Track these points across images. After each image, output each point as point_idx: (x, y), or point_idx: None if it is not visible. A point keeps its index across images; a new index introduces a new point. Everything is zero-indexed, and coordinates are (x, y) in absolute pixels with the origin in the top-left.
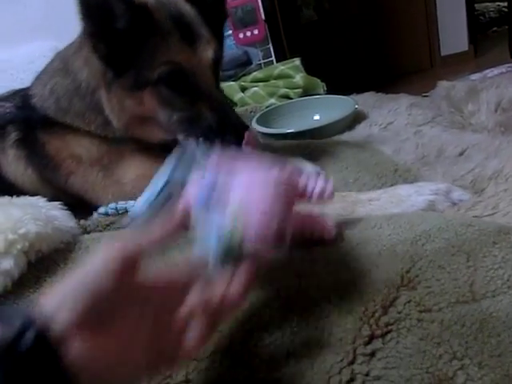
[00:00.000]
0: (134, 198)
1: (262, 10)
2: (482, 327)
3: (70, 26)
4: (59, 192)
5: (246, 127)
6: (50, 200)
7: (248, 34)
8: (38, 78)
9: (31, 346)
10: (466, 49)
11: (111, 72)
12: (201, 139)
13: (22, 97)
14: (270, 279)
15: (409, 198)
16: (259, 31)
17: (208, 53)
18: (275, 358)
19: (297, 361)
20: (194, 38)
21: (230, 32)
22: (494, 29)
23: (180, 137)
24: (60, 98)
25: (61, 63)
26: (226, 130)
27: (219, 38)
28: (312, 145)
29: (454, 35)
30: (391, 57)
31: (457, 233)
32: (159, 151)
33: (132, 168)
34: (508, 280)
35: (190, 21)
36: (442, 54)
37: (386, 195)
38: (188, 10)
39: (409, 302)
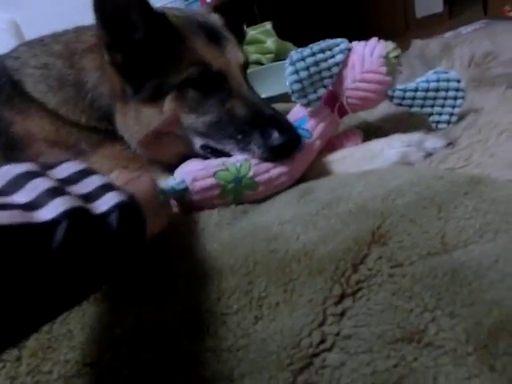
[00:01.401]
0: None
1: None
2: (453, 278)
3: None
4: None
5: (284, 116)
6: None
7: None
8: (28, 43)
9: None
10: (441, 10)
11: (130, 87)
12: (239, 136)
13: None
14: (237, 245)
15: (381, 152)
16: None
17: (238, 54)
18: (242, 324)
19: (265, 326)
20: (222, 41)
21: (197, 1)
22: None
23: (198, 142)
24: (50, 77)
25: (65, 50)
26: (263, 121)
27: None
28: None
29: None
30: (366, 20)
31: (428, 186)
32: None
33: (103, 151)
34: (479, 229)
35: (217, 26)
36: (417, 16)
37: (358, 152)
38: (215, 17)
39: (380, 258)
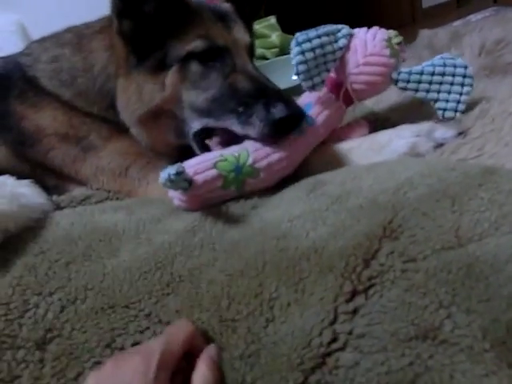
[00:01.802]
0: (111, 172)
1: None
2: (469, 272)
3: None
4: (36, 167)
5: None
6: (27, 176)
7: None
8: (40, 40)
9: None
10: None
11: (134, 57)
12: (240, 109)
13: (6, 57)
14: (246, 245)
15: (390, 143)
16: None
17: (244, 35)
18: (253, 329)
19: (276, 328)
20: (229, 22)
21: None
22: None
23: (199, 125)
24: (62, 70)
25: (74, 37)
26: (267, 95)
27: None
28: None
29: None
30: (371, 11)
31: (440, 178)
32: None
33: (112, 145)
34: (495, 222)
35: (226, 10)
36: (424, 6)
37: (366, 143)
38: (226, 5)
39: (392, 252)
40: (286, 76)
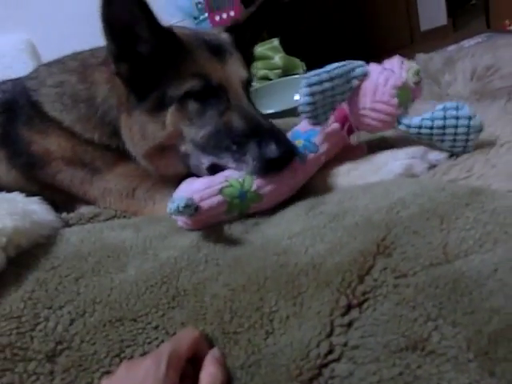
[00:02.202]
0: (118, 194)
1: None
2: (454, 287)
3: (42, 19)
4: (46, 188)
5: (281, 131)
6: (36, 195)
7: (224, 16)
8: (47, 64)
9: None
10: (445, 23)
11: (135, 98)
12: (234, 147)
13: (14, 80)
14: (248, 260)
15: (386, 164)
16: (235, 13)
17: (239, 69)
18: (254, 341)
19: (276, 340)
20: (225, 55)
21: (206, 15)
22: (473, 2)
23: (206, 161)
24: (65, 95)
25: (80, 65)
26: (260, 133)
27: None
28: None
29: (432, 10)
30: (371, 34)
31: (430, 197)
32: None
33: (118, 169)
34: (479, 239)
35: (223, 43)
36: (422, 30)
37: (363, 164)
38: (224, 35)
39: (385, 269)
40: (288, 96)
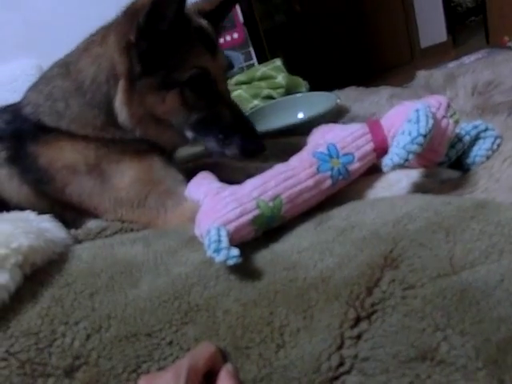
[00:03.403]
0: (130, 203)
1: (240, 14)
2: (462, 298)
3: (51, 44)
4: (56, 204)
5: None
6: (46, 213)
7: (228, 38)
8: (33, 86)
9: None
10: (445, 39)
11: (140, 68)
12: (220, 136)
13: (11, 110)
14: (259, 275)
15: (399, 182)
16: (239, 35)
17: (224, 60)
18: (265, 355)
19: (287, 353)
20: (214, 47)
21: None
22: (472, 18)
23: (191, 136)
24: (56, 101)
25: (61, 68)
26: (243, 126)
27: None
28: (298, 140)
29: (432, 27)
30: (371, 52)
31: (436, 211)
32: (156, 156)
33: (127, 173)
34: (485, 250)
35: (210, 34)
36: (422, 47)
37: (378, 182)
38: (205, 23)
39: (393, 281)
40: (292, 114)
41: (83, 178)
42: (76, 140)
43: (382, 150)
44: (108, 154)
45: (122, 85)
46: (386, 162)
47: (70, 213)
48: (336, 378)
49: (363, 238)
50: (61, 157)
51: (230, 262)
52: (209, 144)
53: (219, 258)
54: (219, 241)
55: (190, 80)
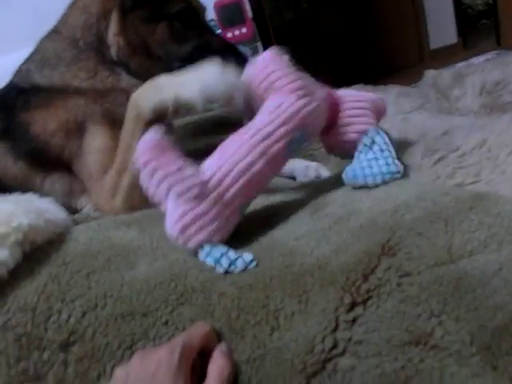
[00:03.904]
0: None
1: (249, 9)
2: (458, 285)
3: None
4: (48, 176)
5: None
6: (37, 190)
7: (236, 32)
8: (24, 61)
9: None
10: (455, 41)
11: (131, 1)
12: (217, 58)
13: (4, 86)
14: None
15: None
16: (247, 29)
17: None
18: (259, 337)
19: (281, 335)
20: None
21: (219, 31)
22: (483, 21)
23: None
24: (49, 60)
25: (50, 34)
26: (233, 49)
27: None
28: None
29: (442, 28)
30: (380, 52)
31: (434, 201)
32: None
33: (101, 138)
34: (484, 241)
35: None
36: (432, 48)
37: None
38: None
39: (389, 268)
40: None
41: (74, 137)
42: (67, 96)
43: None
44: (93, 112)
45: (115, 16)
46: (353, 177)
47: (60, 187)
48: (329, 360)
49: (360, 226)
50: (53, 119)
51: (251, 266)
52: None
53: (239, 268)
54: (227, 253)
55: (178, 13)
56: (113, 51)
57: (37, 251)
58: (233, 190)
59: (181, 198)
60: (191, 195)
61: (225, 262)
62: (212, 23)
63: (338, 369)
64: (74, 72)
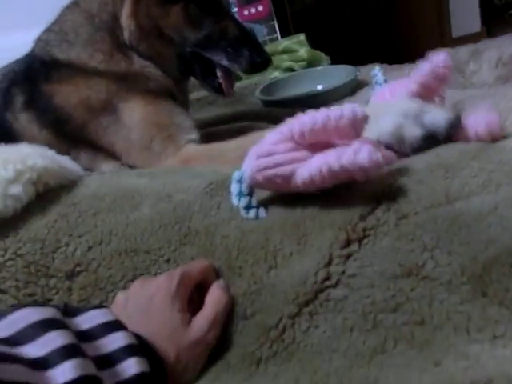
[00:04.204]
0: (140, 144)
1: None
2: (453, 223)
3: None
4: (74, 146)
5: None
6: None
7: (252, 10)
8: (45, 30)
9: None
10: (479, 30)
11: None
12: (229, 49)
13: (25, 55)
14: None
15: (375, 118)
16: (263, 7)
17: None
18: (256, 274)
19: (278, 273)
20: None
21: (236, 9)
22: (510, 12)
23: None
24: (67, 33)
25: (70, 5)
26: (248, 41)
27: None
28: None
29: (465, 17)
30: (400, 38)
31: (438, 154)
32: (164, 100)
33: (136, 113)
34: (483, 184)
35: None
36: (454, 36)
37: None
38: None
39: (388, 209)
40: (310, 87)
41: (99, 115)
42: (87, 75)
43: None
44: (117, 90)
45: (127, 2)
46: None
47: (86, 156)
48: (321, 291)
49: None
50: (75, 93)
51: (261, 216)
52: (218, 59)
53: (249, 215)
54: (250, 196)
55: None
56: (125, 35)
57: (49, 192)
58: None
59: None
60: None
61: (242, 203)
62: (230, 1)
63: (330, 298)
64: (90, 53)
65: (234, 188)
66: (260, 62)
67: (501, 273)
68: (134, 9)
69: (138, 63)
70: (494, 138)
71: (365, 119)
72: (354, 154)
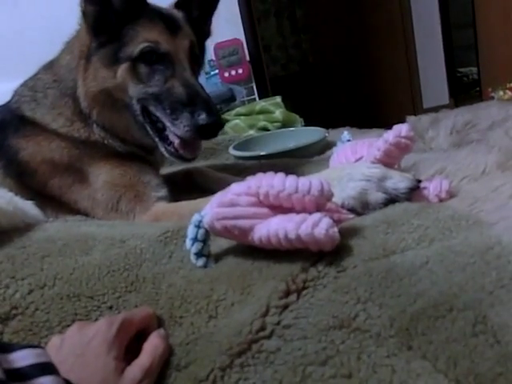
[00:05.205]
0: (106, 205)
1: (246, 52)
2: (387, 276)
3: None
4: (38, 196)
5: (213, 103)
6: None
7: (233, 72)
8: (23, 82)
9: None
10: (447, 102)
11: (95, 42)
12: (168, 111)
13: (3, 105)
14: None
15: (340, 182)
16: (243, 70)
17: (186, 41)
18: (196, 324)
19: (217, 323)
20: (176, 29)
21: (217, 71)
22: (477, 89)
23: (138, 109)
24: (37, 92)
25: (47, 65)
26: (195, 102)
27: (201, 48)
28: (287, 162)
29: (435, 90)
30: (374, 109)
31: (384, 212)
32: (130, 161)
33: (101, 176)
34: (418, 239)
35: (176, 18)
36: (425, 107)
37: (322, 176)
38: (176, 12)
39: (330, 263)
40: (282, 145)
41: (63, 173)
42: (50, 136)
43: None
44: (79, 155)
45: (81, 64)
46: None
47: (51, 206)
48: (255, 342)
49: None
50: (40, 152)
51: (209, 266)
52: (164, 120)
53: (198, 263)
54: (204, 243)
55: (141, 55)
56: (82, 103)
57: (1, 234)
58: None
59: None
60: None
61: (195, 248)
62: (211, 63)
63: (263, 350)
64: (53, 116)
65: (190, 232)
66: (204, 125)
67: (426, 326)
68: (84, 74)
69: (97, 132)
70: (443, 199)
71: (330, 197)
72: (312, 227)
